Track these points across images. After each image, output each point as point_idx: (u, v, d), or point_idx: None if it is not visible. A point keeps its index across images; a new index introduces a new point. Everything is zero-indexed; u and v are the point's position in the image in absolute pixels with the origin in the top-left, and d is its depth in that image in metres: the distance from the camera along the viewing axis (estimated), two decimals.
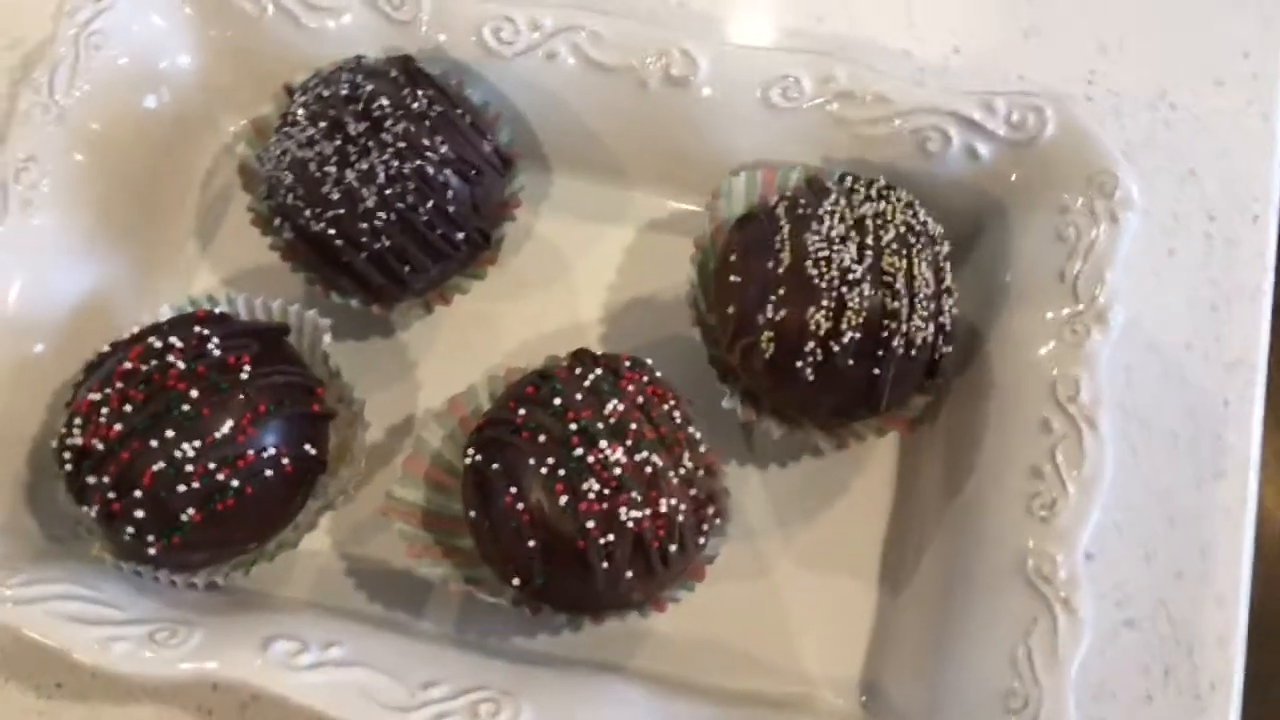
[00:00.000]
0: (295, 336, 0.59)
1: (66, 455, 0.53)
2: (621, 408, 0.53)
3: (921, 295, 0.55)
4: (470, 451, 0.54)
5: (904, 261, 0.55)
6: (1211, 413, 0.63)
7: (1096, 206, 0.58)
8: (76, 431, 0.53)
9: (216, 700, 0.58)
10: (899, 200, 0.57)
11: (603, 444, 0.52)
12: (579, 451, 0.51)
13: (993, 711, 0.52)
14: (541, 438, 0.52)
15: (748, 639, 0.59)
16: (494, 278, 0.64)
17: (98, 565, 0.55)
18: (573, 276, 0.66)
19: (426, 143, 0.57)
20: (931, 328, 0.55)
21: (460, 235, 0.59)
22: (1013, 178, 0.61)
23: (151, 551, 0.53)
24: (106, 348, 0.55)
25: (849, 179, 0.58)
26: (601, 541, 0.51)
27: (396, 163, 0.56)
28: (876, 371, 0.55)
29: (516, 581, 0.53)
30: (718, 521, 0.55)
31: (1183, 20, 0.71)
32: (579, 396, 0.53)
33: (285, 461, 0.54)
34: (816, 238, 0.55)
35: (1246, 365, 0.63)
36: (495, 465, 0.52)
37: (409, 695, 0.51)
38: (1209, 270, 0.66)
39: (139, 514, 0.52)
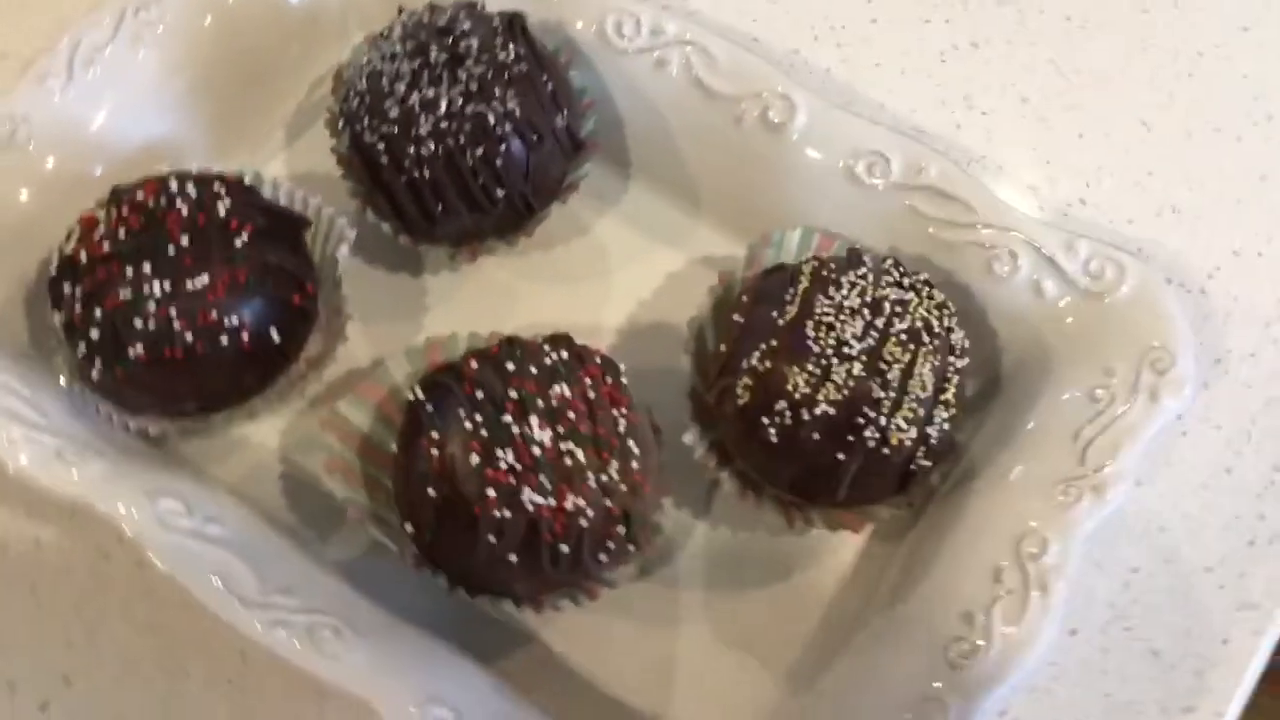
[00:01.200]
0: (316, 239, 0.60)
1: (56, 260, 0.55)
2: (567, 393, 0.51)
3: (914, 395, 0.51)
4: (415, 388, 0.53)
5: (907, 355, 0.52)
6: (1206, 646, 0.56)
7: (1142, 380, 0.54)
8: (72, 240, 0.55)
9: (118, 550, 0.58)
10: (929, 297, 0.54)
11: (533, 420, 0.50)
12: (507, 419, 0.50)
13: None
14: (479, 394, 0.51)
15: (622, 683, 0.56)
16: (533, 257, 0.64)
17: (53, 379, 0.57)
18: (608, 281, 0.64)
19: (498, 93, 0.57)
20: (914, 433, 0.51)
21: (500, 193, 0.58)
22: (1069, 321, 0.57)
23: (95, 376, 0.54)
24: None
25: (889, 261, 0.55)
26: (495, 514, 0.49)
27: (461, 101, 0.57)
28: (841, 456, 0.51)
29: (410, 529, 0.52)
30: (629, 548, 0.52)
31: None
32: (533, 369, 0.51)
33: (244, 336, 0.54)
34: (828, 302, 0.52)
35: (1261, 613, 0.57)
36: (429, 407, 0.51)
37: (260, 593, 0.50)
38: (1262, 504, 0.59)
39: (94, 334, 0.53)
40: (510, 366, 0.51)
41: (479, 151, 0.57)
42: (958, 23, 0.73)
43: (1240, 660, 0.56)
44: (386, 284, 0.64)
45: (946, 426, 0.52)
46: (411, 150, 0.57)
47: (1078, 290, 0.56)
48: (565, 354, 0.53)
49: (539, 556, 0.50)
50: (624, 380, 0.53)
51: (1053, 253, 0.57)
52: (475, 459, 0.49)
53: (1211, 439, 0.60)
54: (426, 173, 0.57)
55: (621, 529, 0.51)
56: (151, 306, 0.52)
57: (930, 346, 0.52)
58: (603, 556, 0.51)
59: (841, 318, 0.52)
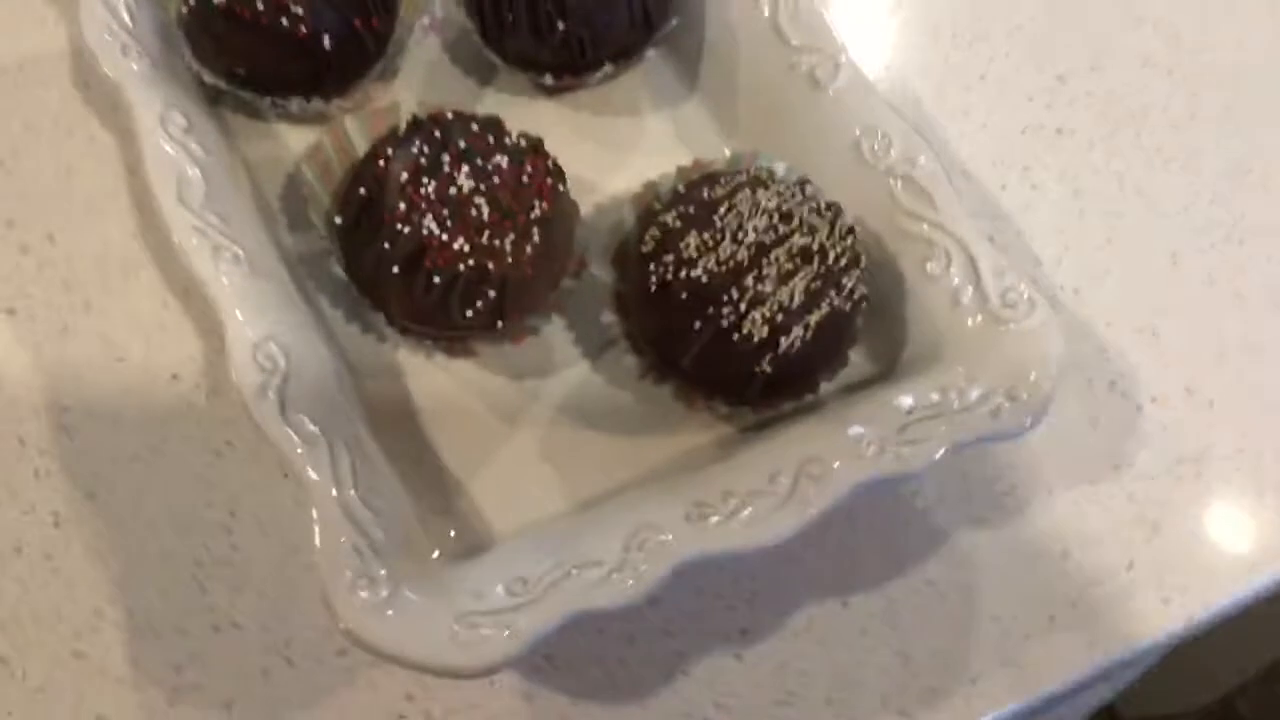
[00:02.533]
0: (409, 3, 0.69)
1: None
2: (505, 165, 0.58)
3: (778, 300, 0.56)
4: (409, 119, 0.61)
5: (789, 265, 0.56)
6: (953, 673, 0.58)
7: (993, 398, 0.57)
8: None
9: None
10: (840, 236, 0.58)
11: (464, 168, 0.57)
12: (445, 158, 0.57)
13: None
14: (438, 134, 0.58)
15: (442, 442, 0.62)
16: (576, 109, 0.71)
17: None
18: (626, 158, 0.70)
19: None
20: (765, 333, 0.56)
21: (560, 25, 0.65)
22: (968, 333, 0.60)
23: (184, 10, 0.65)
24: None
25: (824, 202, 0.59)
26: (397, 226, 0.56)
27: None
28: (696, 324, 0.56)
29: (338, 220, 0.60)
30: (496, 318, 0.58)
31: None
32: (491, 138, 0.59)
33: (302, 28, 0.62)
34: (749, 197, 0.58)
35: (1017, 674, 0.58)
36: (400, 131, 0.59)
37: (200, 206, 0.59)
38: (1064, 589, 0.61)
39: None
40: (474, 127, 0.59)
41: None
42: (1056, 109, 0.76)
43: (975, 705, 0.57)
44: (448, 78, 0.72)
45: (798, 346, 0.56)
46: None
47: (988, 311, 0.60)
48: (525, 143, 0.60)
49: (415, 278, 0.57)
50: (562, 189, 0.60)
51: (983, 271, 0.60)
52: (404, 176, 0.57)
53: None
54: None
55: (492, 293, 0.57)
56: None
57: (815, 270, 0.57)
58: (468, 311, 0.58)
59: (754, 212, 0.57)
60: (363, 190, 0.58)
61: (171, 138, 0.61)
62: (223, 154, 0.63)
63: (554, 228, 0.59)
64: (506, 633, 0.50)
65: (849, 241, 0.58)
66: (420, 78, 0.72)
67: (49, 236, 0.66)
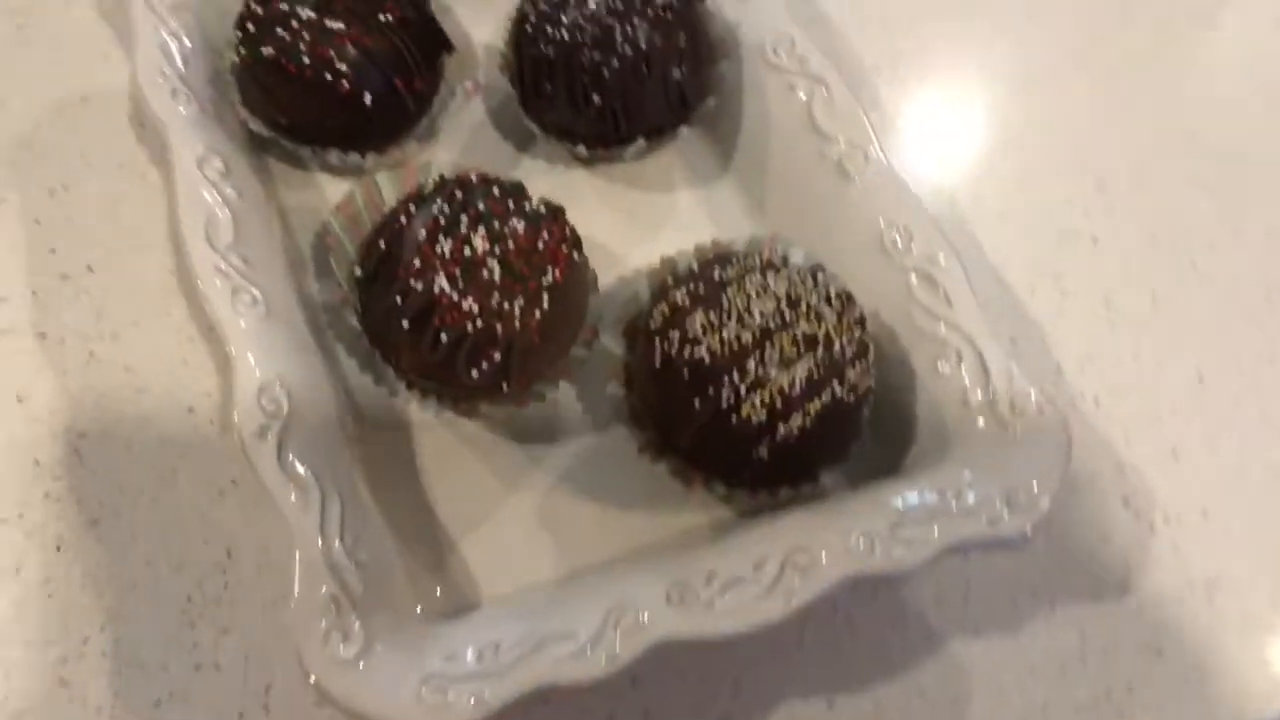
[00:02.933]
0: (454, 66, 0.71)
1: None
2: (520, 230, 0.59)
3: (779, 385, 0.56)
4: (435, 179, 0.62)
5: (793, 351, 0.56)
6: None
7: (993, 501, 0.56)
8: None
9: None
10: (849, 326, 0.58)
11: (481, 231, 0.58)
12: (463, 219, 0.58)
13: None
14: (459, 195, 0.59)
15: (442, 501, 0.63)
16: (608, 182, 0.72)
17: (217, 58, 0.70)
18: (653, 232, 0.71)
19: (636, 20, 0.66)
20: (763, 417, 0.56)
21: (596, 99, 0.67)
22: (976, 434, 0.59)
23: (236, 58, 0.67)
24: None
25: (835, 290, 0.59)
26: (410, 281, 0.57)
27: (607, 9, 0.66)
28: (696, 402, 0.56)
29: (358, 271, 0.61)
30: (502, 381, 0.59)
31: None
32: (511, 203, 0.60)
33: (344, 83, 0.65)
34: (758, 281, 0.58)
35: None
36: (427, 188, 0.61)
37: (226, 247, 0.61)
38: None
39: (250, 27, 0.66)
40: (496, 191, 0.60)
41: (595, 55, 0.66)
42: (1094, 218, 0.76)
43: None
44: (488, 142, 0.74)
45: (797, 433, 0.56)
46: (549, 29, 0.67)
47: (996, 414, 0.59)
48: (545, 210, 0.60)
49: (423, 334, 0.58)
50: (577, 257, 0.60)
51: (993, 374, 0.60)
52: (422, 233, 0.58)
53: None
54: (550, 52, 0.67)
55: (498, 356, 0.58)
56: (295, 24, 0.65)
57: (819, 358, 0.56)
58: (474, 371, 0.58)
59: (762, 295, 0.57)
60: (382, 244, 0.59)
61: (207, 180, 0.62)
62: (257, 199, 0.65)
63: (566, 295, 0.59)
64: (471, 700, 0.50)
65: (857, 332, 0.58)
66: (461, 140, 0.73)
67: (88, 266, 0.68)
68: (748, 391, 0.56)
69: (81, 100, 0.75)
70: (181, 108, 0.65)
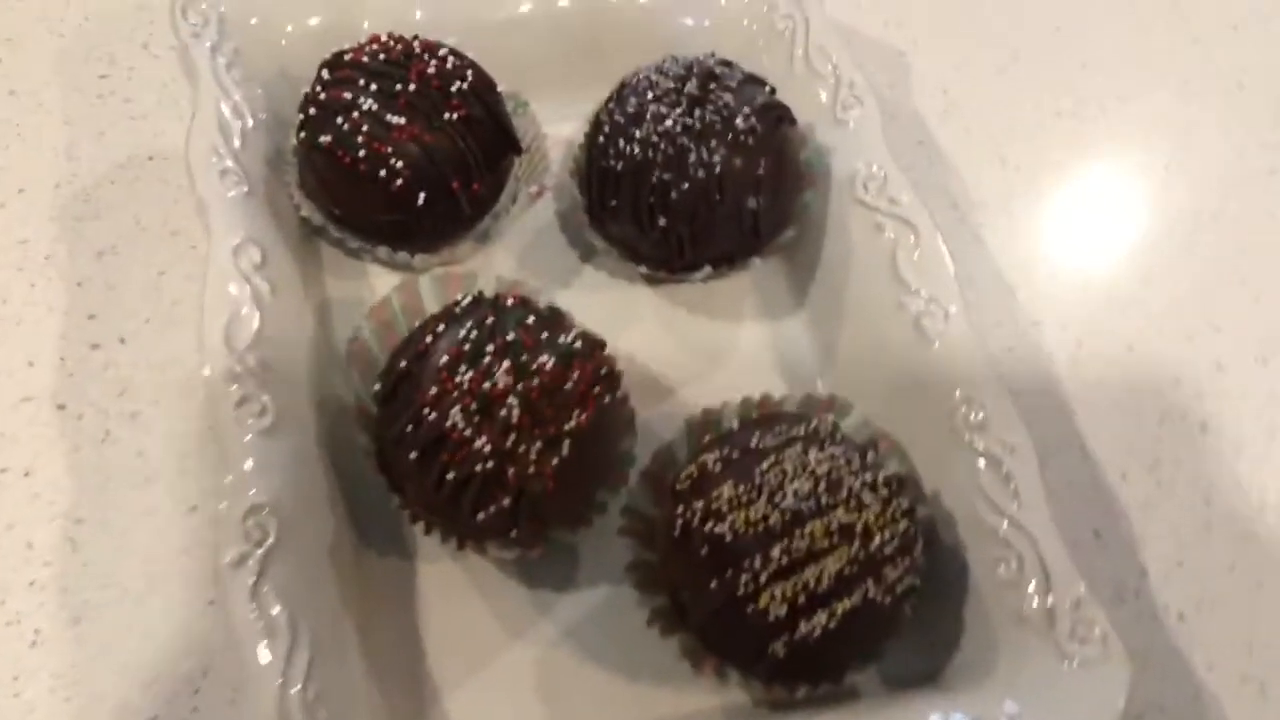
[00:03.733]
0: (523, 169, 0.67)
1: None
2: (549, 366, 0.54)
3: (803, 579, 0.50)
4: (471, 296, 0.58)
5: (824, 542, 0.50)
6: None
7: None
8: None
9: None
10: (891, 518, 0.52)
11: (505, 364, 0.54)
12: (489, 349, 0.54)
13: None
14: (490, 321, 0.55)
15: (435, 642, 0.58)
16: (673, 302, 0.67)
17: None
18: (713, 365, 0.67)
19: (713, 143, 0.62)
20: (783, 612, 0.50)
21: (662, 221, 0.62)
22: (1029, 647, 0.53)
23: (295, 143, 0.64)
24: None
25: (884, 476, 0.53)
26: (424, 410, 0.53)
27: (682, 128, 0.62)
28: (712, 584, 0.51)
29: (377, 386, 0.57)
30: (510, 527, 0.54)
31: None
32: (544, 334, 0.55)
33: (398, 180, 0.62)
34: (798, 455, 0.52)
35: None
36: (459, 308, 0.57)
37: (244, 348, 0.57)
38: None
39: (313, 111, 0.63)
40: (531, 319, 0.56)
41: (664, 175, 0.61)
42: (1206, 399, 0.68)
43: None
44: (550, 249, 0.70)
45: (818, 633, 0.50)
46: (620, 142, 0.62)
47: (1053, 640, 0.52)
48: (581, 345, 0.56)
49: (430, 469, 0.53)
50: (609, 400, 0.55)
51: (1057, 592, 0.53)
52: (444, 359, 0.54)
53: None
54: (618, 166, 0.62)
55: (507, 501, 0.53)
56: (356, 115, 0.61)
57: (853, 552, 0.50)
58: (480, 514, 0.54)
59: (799, 473, 0.52)
60: (403, 363, 0.55)
61: (240, 272, 0.59)
62: (294, 294, 0.62)
63: (592, 441, 0.54)
64: None
65: (903, 524, 0.52)
66: (521, 244, 0.70)
67: (121, 338, 0.66)
68: (769, 581, 0.50)
69: (148, 159, 0.73)
70: (230, 190, 0.62)
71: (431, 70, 0.62)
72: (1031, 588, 0.53)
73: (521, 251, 0.69)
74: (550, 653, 0.57)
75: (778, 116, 0.64)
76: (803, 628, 0.50)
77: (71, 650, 0.56)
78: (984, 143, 0.78)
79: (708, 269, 0.65)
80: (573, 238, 0.70)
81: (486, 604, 0.58)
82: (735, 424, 0.57)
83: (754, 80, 0.65)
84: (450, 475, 0.53)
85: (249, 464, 0.53)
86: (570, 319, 0.58)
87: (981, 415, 0.57)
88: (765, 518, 0.51)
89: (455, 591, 0.59)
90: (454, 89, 0.63)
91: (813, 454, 0.53)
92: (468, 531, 0.56)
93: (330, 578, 0.54)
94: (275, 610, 0.50)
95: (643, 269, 0.66)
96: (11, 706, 0.55)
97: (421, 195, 0.62)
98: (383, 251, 0.65)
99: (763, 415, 0.57)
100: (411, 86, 0.62)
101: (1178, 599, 0.61)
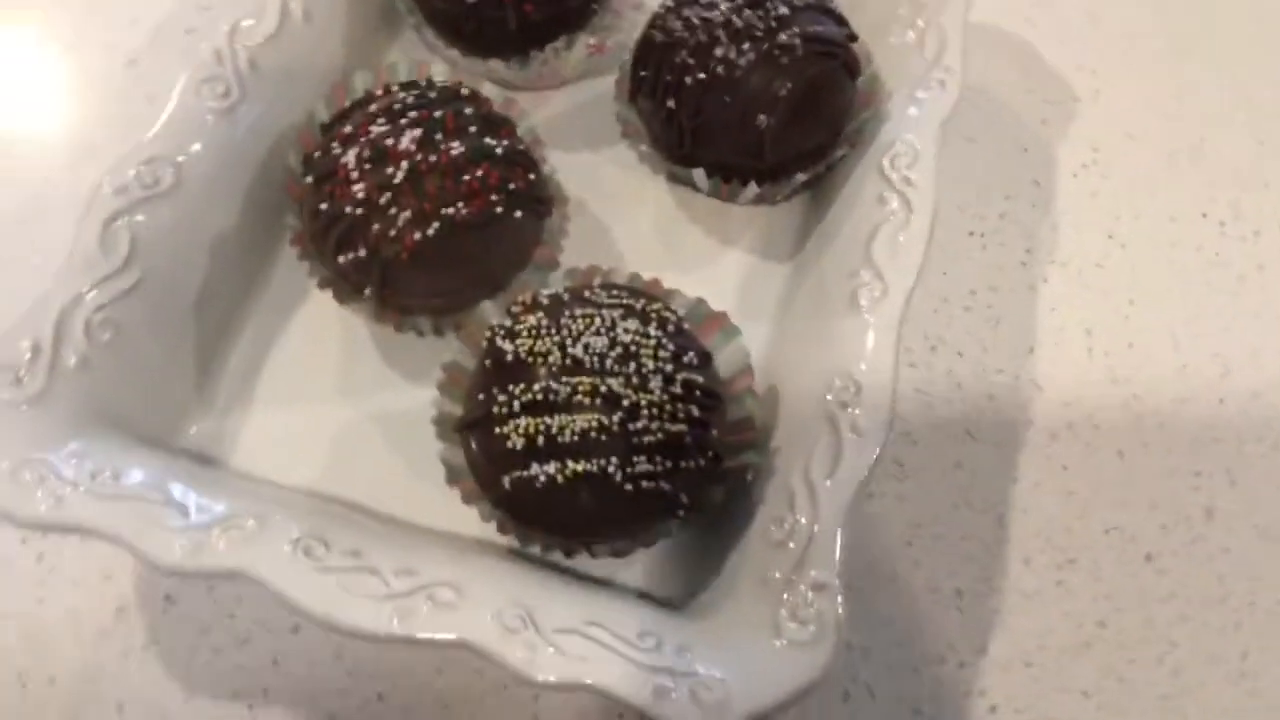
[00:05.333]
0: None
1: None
2: (454, 154, 0.55)
3: (551, 424, 0.49)
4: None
5: (586, 399, 0.49)
6: None
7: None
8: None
9: None
10: (675, 418, 0.49)
11: (417, 132, 0.55)
12: (415, 114, 0.56)
13: None
14: (433, 94, 0.57)
15: None
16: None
17: None
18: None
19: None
20: (522, 443, 0.49)
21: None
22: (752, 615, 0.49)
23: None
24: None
25: (691, 381, 0.51)
26: None
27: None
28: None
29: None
30: None
31: None
32: (474, 128, 0.56)
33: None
34: (620, 316, 0.51)
35: None
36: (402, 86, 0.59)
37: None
38: None
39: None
40: (468, 111, 0.57)
41: (688, 60, 0.60)
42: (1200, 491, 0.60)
43: None
44: (584, 111, 0.70)
45: (543, 481, 0.49)
46: (669, 18, 0.62)
47: (772, 618, 0.48)
48: (504, 154, 0.56)
49: (313, 198, 0.56)
50: (500, 210, 0.55)
51: (799, 576, 0.49)
52: (372, 110, 0.56)
53: None
54: (657, 38, 0.62)
55: (364, 253, 0.55)
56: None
57: (606, 422, 0.49)
58: (340, 256, 0.55)
59: (602, 330, 0.51)
60: (348, 103, 0.58)
61: None
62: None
63: (465, 238, 0.55)
64: (51, 501, 0.47)
65: (675, 428, 0.49)
66: (561, 95, 0.70)
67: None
68: (520, 410, 0.50)
69: None
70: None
71: None
72: (786, 557, 0.49)
73: (555, 100, 0.70)
74: (359, 423, 0.58)
75: (829, 53, 0.61)
76: (533, 469, 0.49)
77: None
78: (1102, 214, 0.71)
79: (701, 172, 0.63)
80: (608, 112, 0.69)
81: (331, 357, 0.60)
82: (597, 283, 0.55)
83: (827, 11, 0.62)
84: (323, 206, 0.55)
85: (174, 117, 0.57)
86: (517, 134, 0.58)
87: (853, 394, 0.53)
88: (547, 353, 0.50)
89: (310, 332, 0.61)
90: None
91: (628, 323, 0.51)
92: (331, 272, 0.57)
93: (200, 260, 0.58)
94: (122, 247, 0.54)
95: (645, 149, 0.65)
96: None
97: None
98: (430, 34, 0.67)
99: (614, 284, 0.55)
100: None
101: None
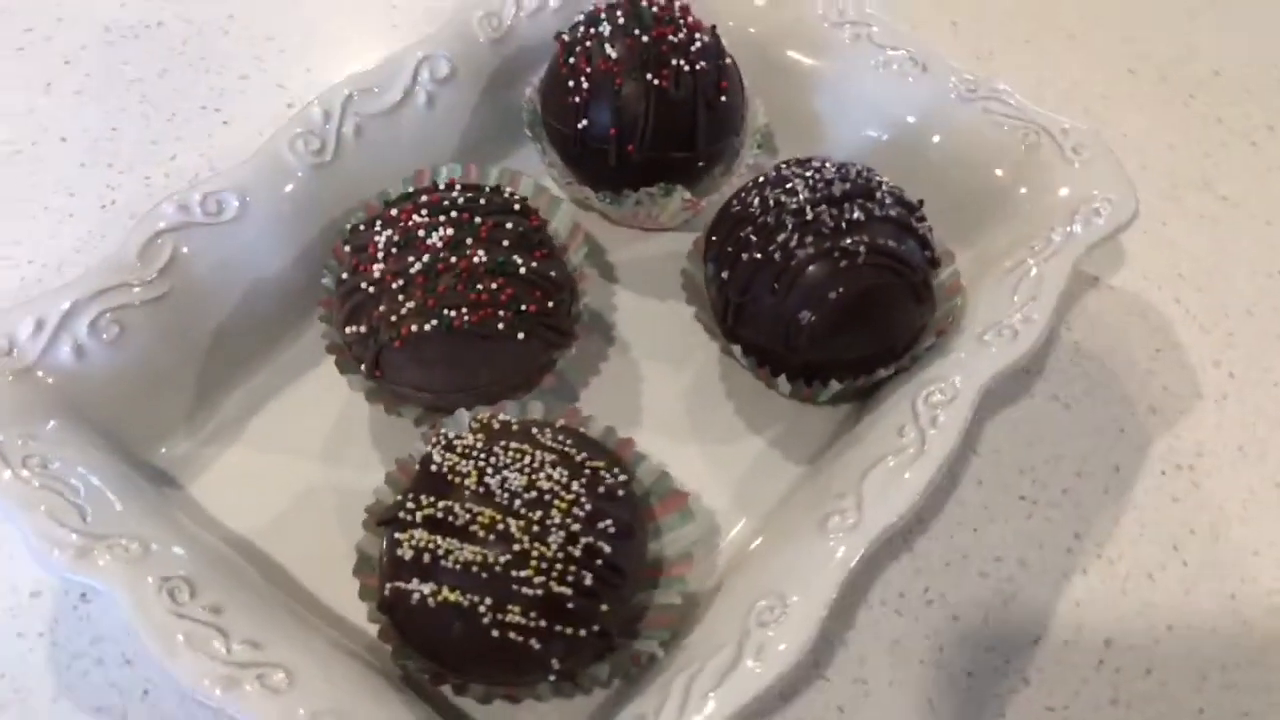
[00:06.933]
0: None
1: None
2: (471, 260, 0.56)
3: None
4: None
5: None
6: None
7: None
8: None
9: None
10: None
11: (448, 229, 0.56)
12: (454, 212, 0.57)
13: None
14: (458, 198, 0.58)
15: None
16: None
17: None
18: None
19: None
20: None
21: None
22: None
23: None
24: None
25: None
26: None
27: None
28: None
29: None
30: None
31: None
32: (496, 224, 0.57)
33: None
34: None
35: None
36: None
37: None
38: None
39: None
40: (509, 225, 0.58)
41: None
42: None
43: None
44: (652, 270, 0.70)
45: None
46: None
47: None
48: (526, 274, 0.56)
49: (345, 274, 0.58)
50: (501, 327, 0.55)
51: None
52: (423, 199, 0.58)
53: None
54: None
55: (364, 329, 0.56)
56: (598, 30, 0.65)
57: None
58: (347, 327, 0.57)
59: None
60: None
61: None
62: None
63: (459, 343, 0.55)
64: None
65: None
66: (639, 238, 0.69)
67: None
68: None
69: None
70: None
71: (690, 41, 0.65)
72: None
73: (646, 241, 0.70)
74: (320, 491, 0.60)
75: (893, 270, 0.58)
76: (413, 584, 0.49)
77: None
78: (1176, 525, 0.64)
79: (784, 383, 0.61)
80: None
81: (325, 421, 0.62)
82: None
83: (908, 229, 0.60)
84: (345, 276, 0.57)
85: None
86: (557, 258, 0.59)
87: (775, 617, 0.50)
88: (466, 474, 0.50)
89: (315, 394, 0.63)
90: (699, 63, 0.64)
91: (555, 471, 0.50)
92: (340, 341, 0.59)
93: (233, 296, 0.61)
94: (161, 259, 0.58)
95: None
96: None
97: (584, 118, 0.65)
98: (548, 151, 0.69)
99: (570, 429, 0.54)
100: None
101: None
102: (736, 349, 0.61)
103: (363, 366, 0.57)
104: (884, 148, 0.71)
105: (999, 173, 0.68)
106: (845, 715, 0.57)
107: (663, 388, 0.65)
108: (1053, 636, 0.60)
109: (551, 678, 0.49)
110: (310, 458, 0.61)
